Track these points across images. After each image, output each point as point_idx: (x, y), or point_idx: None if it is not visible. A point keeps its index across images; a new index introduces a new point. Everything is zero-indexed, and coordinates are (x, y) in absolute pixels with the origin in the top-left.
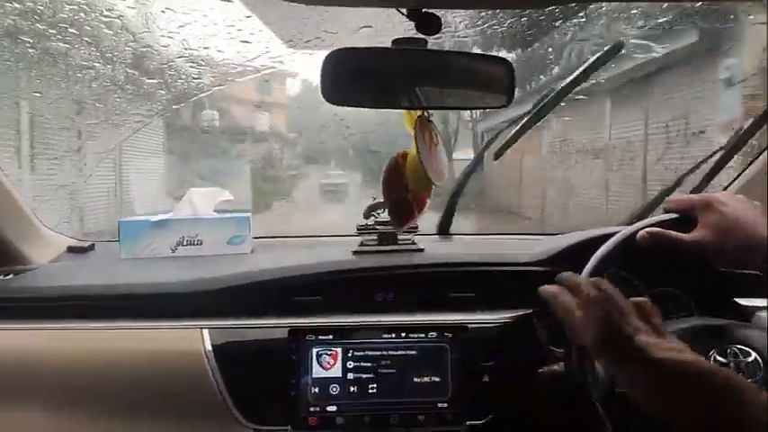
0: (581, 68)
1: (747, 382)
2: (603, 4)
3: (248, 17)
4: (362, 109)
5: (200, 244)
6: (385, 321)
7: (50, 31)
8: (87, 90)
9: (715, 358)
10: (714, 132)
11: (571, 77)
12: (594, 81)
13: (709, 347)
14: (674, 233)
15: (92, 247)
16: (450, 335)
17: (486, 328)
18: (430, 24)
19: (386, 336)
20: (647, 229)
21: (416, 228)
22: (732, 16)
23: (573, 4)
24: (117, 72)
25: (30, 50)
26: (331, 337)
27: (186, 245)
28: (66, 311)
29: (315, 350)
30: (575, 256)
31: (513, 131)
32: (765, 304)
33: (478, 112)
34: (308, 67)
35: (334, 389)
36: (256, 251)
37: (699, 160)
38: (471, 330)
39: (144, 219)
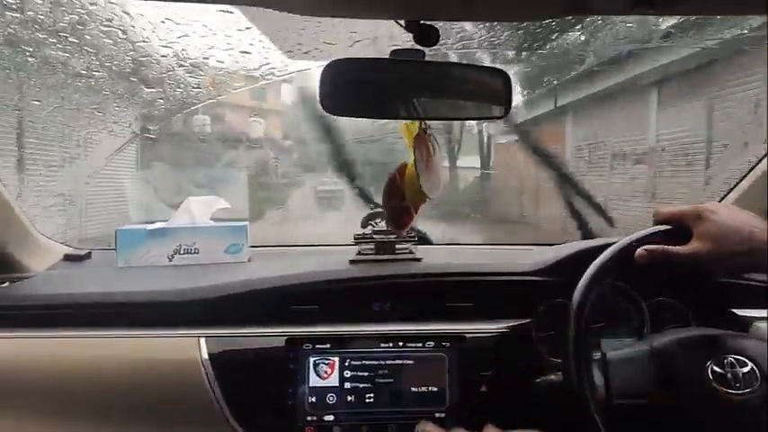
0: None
1: None
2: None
3: (248, 28)
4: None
5: (197, 252)
6: (382, 330)
7: (50, 39)
8: (86, 99)
9: (712, 368)
10: None
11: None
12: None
13: (706, 357)
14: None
15: (88, 256)
16: (448, 344)
17: (483, 338)
18: (428, 36)
19: (383, 345)
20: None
21: (414, 237)
22: None
23: (570, 18)
24: (116, 81)
25: (29, 59)
26: (328, 346)
27: (183, 253)
28: (62, 319)
29: (312, 359)
30: (572, 266)
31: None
32: (764, 315)
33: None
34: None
35: (332, 398)
36: (253, 260)
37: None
38: (469, 340)
39: (141, 227)
